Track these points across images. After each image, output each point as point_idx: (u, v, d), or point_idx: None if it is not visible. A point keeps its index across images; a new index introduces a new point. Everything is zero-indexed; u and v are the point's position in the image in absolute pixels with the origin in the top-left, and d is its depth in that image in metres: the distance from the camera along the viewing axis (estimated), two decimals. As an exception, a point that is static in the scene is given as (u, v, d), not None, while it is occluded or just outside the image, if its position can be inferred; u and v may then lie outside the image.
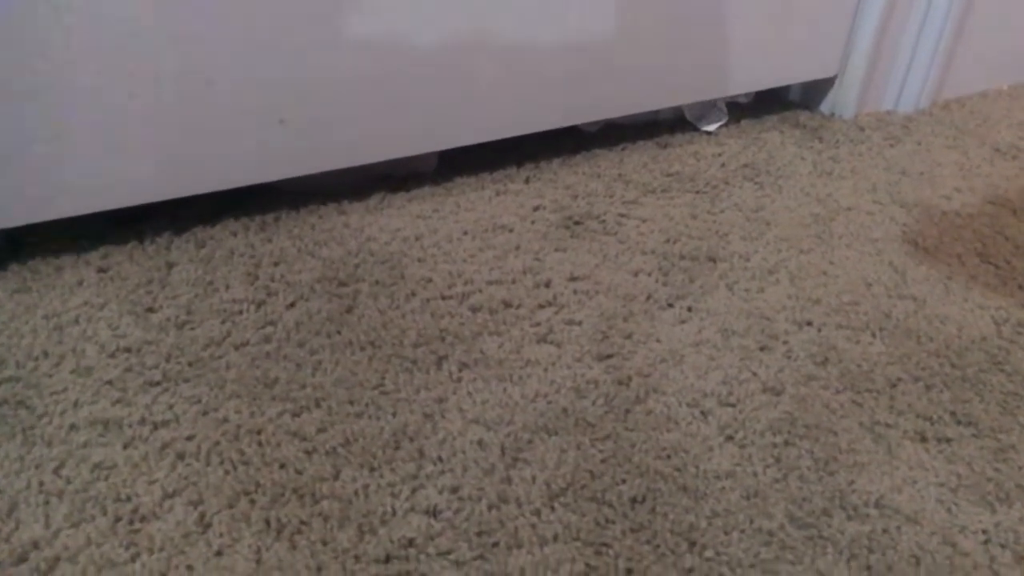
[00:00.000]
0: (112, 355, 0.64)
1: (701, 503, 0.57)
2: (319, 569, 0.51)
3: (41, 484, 0.54)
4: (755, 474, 0.59)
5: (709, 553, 0.54)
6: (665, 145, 0.92)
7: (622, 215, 0.82)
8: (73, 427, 0.58)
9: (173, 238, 0.75)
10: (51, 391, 0.61)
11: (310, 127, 0.75)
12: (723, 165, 0.89)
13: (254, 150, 0.74)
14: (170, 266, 0.72)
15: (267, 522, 0.53)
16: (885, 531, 0.55)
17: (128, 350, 0.64)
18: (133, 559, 0.51)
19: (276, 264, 0.73)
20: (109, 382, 0.62)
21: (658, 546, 0.54)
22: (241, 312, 0.68)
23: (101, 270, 0.71)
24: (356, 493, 0.56)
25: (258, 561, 0.51)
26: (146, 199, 0.72)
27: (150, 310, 0.68)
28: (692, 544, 0.54)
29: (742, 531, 0.55)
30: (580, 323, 0.70)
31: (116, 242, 0.74)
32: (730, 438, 0.61)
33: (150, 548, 0.51)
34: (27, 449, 0.56)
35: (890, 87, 1.01)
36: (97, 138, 0.68)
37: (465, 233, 0.79)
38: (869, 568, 0.53)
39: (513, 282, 0.73)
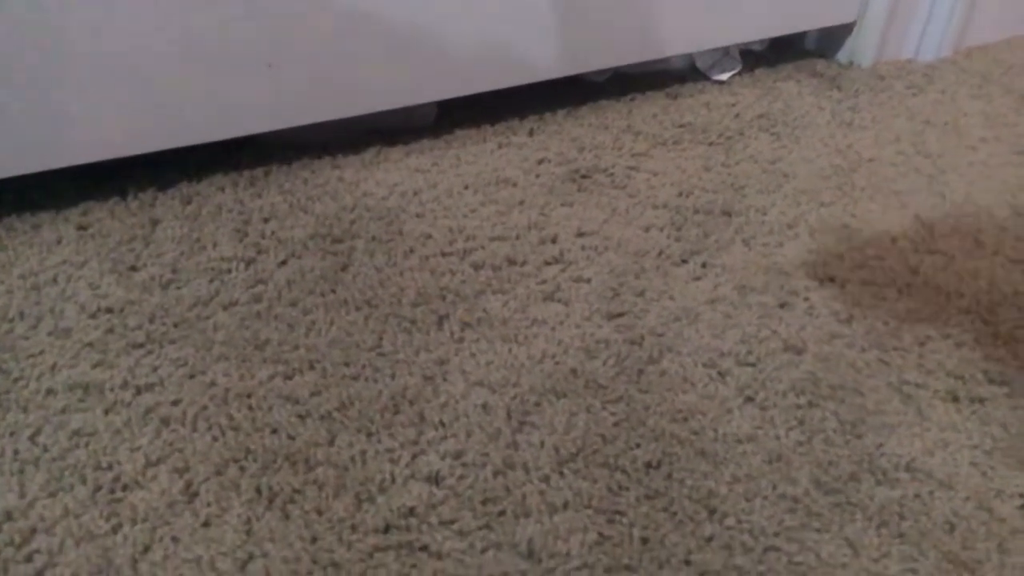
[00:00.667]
0: (93, 316, 0.60)
1: (720, 468, 0.53)
2: (314, 540, 0.48)
3: (16, 452, 0.51)
4: (777, 437, 0.55)
5: (730, 521, 0.50)
6: (675, 96, 0.88)
7: (631, 168, 0.78)
8: (50, 391, 0.55)
9: (157, 194, 0.71)
10: (27, 354, 0.57)
11: (300, 73, 0.71)
12: (737, 116, 0.85)
13: (240, 99, 0.70)
14: (154, 223, 0.68)
15: (258, 490, 0.50)
16: (917, 496, 0.52)
17: (110, 310, 0.60)
18: (114, 530, 0.47)
19: (266, 220, 0.69)
20: (89, 344, 0.58)
21: (675, 514, 0.51)
22: (230, 270, 0.64)
23: (81, 227, 0.67)
24: (353, 460, 0.52)
25: (248, 532, 0.48)
26: (127, 152, 0.68)
27: (133, 269, 0.64)
28: (712, 511, 0.51)
29: (765, 497, 0.52)
30: (589, 280, 0.66)
31: (97, 198, 0.70)
32: (750, 399, 0.58)
33: (132, 518, 0.48)
34: (1, 415, 0.53)
35: (910, 34, 0.97)
36: (74, 89, 0.64)
37: (466, 187, 0.75)
38: (901, 535, 0.50)
39: (517, 238, 0.69)
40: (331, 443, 0.53)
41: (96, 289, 0.62)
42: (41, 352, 0.57)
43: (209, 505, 0.49)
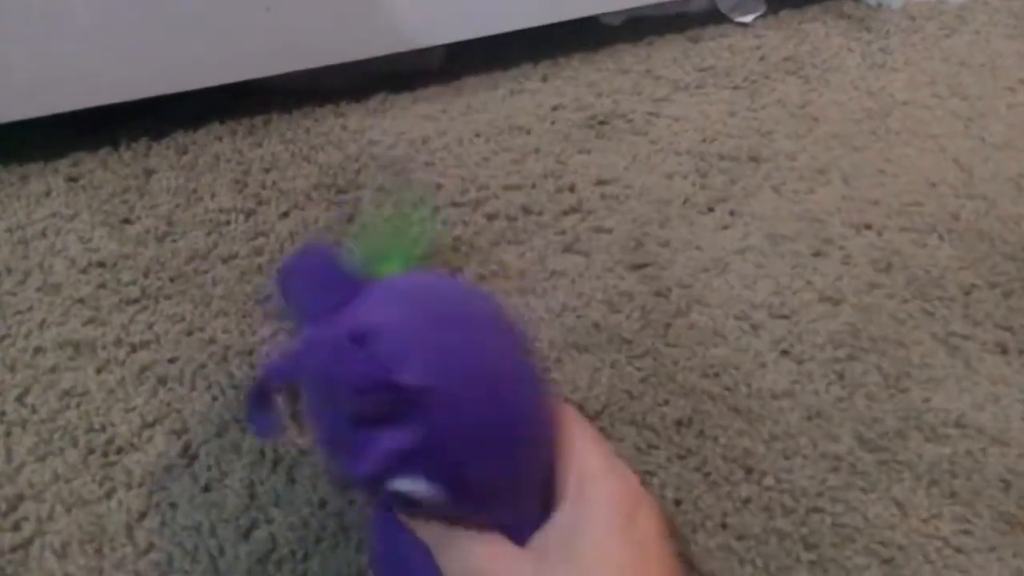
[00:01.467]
0: (84, 271, 0.56)
1: (756, 425, 0.50)
2: (322, 504, 0.44)
3: (3, 414, 0.48)
4: (816, 392, 0.52)
5: (769, 481, 0.47)
6: (696, 39, 0.83)
7: (652, 114, 0.73)
8: (39, 350, 0.51)
9: (151, 144, 0.67)
10: (14, 311, 0.53)
11: (299, 15, 0.67)
12: (762, 59, 0.80)
13: (237, 43, 0.66)
14: (148, 174, 0.64)
15: (261, 452, 0.47)
16: (968, 453, 0.49)
17: (102, 265, 0.57)
18: (108, 495, 0.44)
19: (267, 170, 0.65)
20: (80, 300, 0.54)
21: (708, 474, 0.47)
22: (229, 222, 0.61)
23: (71, 179, 0.64)
24: (362, 419, 0.49)
25: (251, 496, 0.45)
26: (118, 99, 0.64)
27: (126, 221, 0.60)
28: (748, 471, 0.47)
29: (805, 456, 0.48)
30: (610, 231, 0.62)
31: (88, 149, 0.66)
32: (785, 353, 0.54)
33: (127, 483, 0.45)
34: (-14, 375, 0.50)
35: (943, -26, 0.91)
36: (63, 32, 0.60)
37: (477, 135, 0.70)
38: (953, 495, 0.47)
39: (533, 187, 0.65)
40: (339, 402, 0.50)
41: (87, 243, 0.58)
42: (29, 309, 0.54)
43: (209, 468, 0.46)
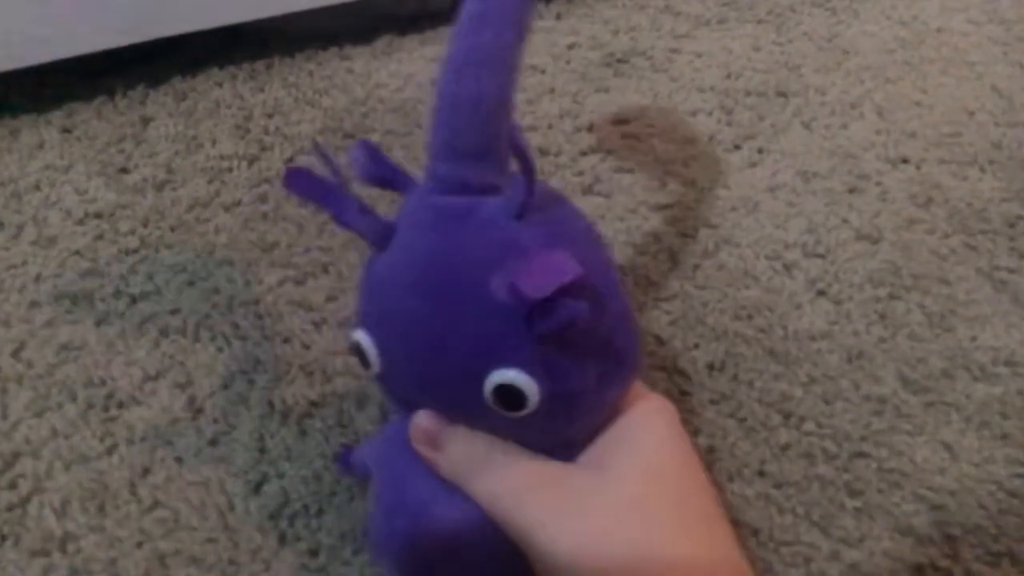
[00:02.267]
0: (80, 222, 0.54)
1: (794, 368, 0.47)
2: (335, 457, 0.42)
3: (-3, 369, 0.45)
4: (856, 333, 0.49)
5: (809, 426, 0.44)
6: (716, -27, 0.79)
7: (673, 50, 0.70)
8: (34, 304, 0.49)
9: (148, 91, 0.64)
10: (8, 264, 0.51)
11: (301, -49, 0.63)
12: (786, -9, 0.76)
13: (236, -19, 0.62)
14: (146, 121, 0.61)
15: (270, 404, 0.44)
16: (1020, 393, 0.46)
17: (99, 215, 0.54)
18: (109, 451, 0.42)
19: (270, 116, 0.62)
20: (77, 252, 0.52)
21: (744, 419, 0.45)
22: (231, 169, 0.58)
23: (65, 130, 0.61)
24: (376, 369, 0.46)
25: (261, 450, 0.42)
26: (110, 44, 0.61)
27: (123, 171, 0.58)
28: (787, 416, 0.45)
29: (846, 399, 0.45)
30: (632, 171, 0.59)
31: (82, 99, 0.63)
32: (822, 293, 0.51)
33: (129, 438, 0.42)
34: (-20, 330, 0.47)
35: (975, -100, 0.87)
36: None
37: (489, 76, 0.67)
38: (1005, 436, 0.44)
39: (549, 127, 0.62)
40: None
41: (83, 194, 0.56)
42: (24, 263, 0.51)
43: (216, 422, 0.43)
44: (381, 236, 0.31)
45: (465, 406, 0.30)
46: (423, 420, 0.32)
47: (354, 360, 0.45)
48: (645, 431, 0.31)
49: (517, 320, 0.28)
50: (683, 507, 0.30)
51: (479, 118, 0.29)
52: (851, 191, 0.57)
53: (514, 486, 0.30)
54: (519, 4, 0.30)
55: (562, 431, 0.31)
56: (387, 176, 0.32)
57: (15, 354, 0.46)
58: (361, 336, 0.31)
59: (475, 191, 0.30)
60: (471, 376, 0.29)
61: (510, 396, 0.28)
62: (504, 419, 0.29)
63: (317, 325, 0.48)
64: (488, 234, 0.29)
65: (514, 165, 0.30)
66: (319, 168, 0.32)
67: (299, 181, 0.31)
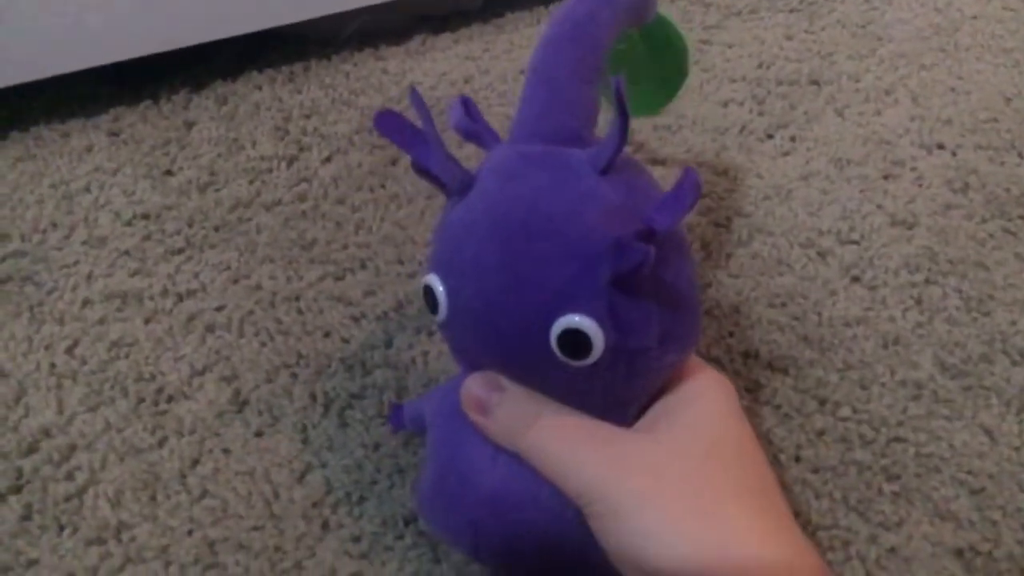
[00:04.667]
0: (128, 223, 0.55)
1: (829, 355, 0.47)
2: (376, 447, 0.43)
3: (52, 366, 0.47)
4: (892, 319, 0.48)
5: (844, 411, 0.44)
6: (747, -36, 0.79)
7: (704, 42, 0.70)
8: (87, 302, 0.50)
9: (191, 96, 0.66)
10: (61, 264, 0.53)
11: (335, -45, 0.65)
12: (819, -20, 0.76)
13: (273, -14, 0.64)
14: (189, 125, 0.63)
15: (312, 397, 0.45)
16: (1061, 377, 0.45)
17: (146, 217, 0.56)
18: (160, 444, 0.43)
19: (308, 117, 0.64)
20: (126, 252, 0.54)
21: (779, 406, 0.45)
22: (271, 170, 0.59)
23: (112, 133, 0.63)
24: (413, 361, 0.47)
25: (304, 441, 0.43)
26: (155, 49, 0.62)
27: (168, 173, 0.59)
28: (822, 402, 0.45)
29: (883, 384, 0.45)
30: (663, 162, 0.59)
31: (128, 103, 0.65)
32: (856, 279, 0.51)
33: (179, 431, 0.44)
34: (35, 328, 0.49)
35: None
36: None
37: (521, 72, 0.68)
38: (1046, 421, 0.43)
39: (581, 121, 0.62)
40: (388, 345, 0.48)
41: (131, 196, 0.57)
42: (76, 263, 0.53)
43: (261, 414, 0.45)
44: (462, 184, 0.32)
45: (527, 355, 0.30)
46: (473, 386, 0.33)
47: (393, 352, 0.47)
48: (704, 401, 0.32)
49: (591, 267, 0.28)
50: (741, 481, 0.30)
51: (573, 77, 0.31)
52: (886, 178, 0.57)
53: (570, 444, 0.31)
54: None
55: (619, 390, 0.31)
56: (479, 132, 0.34)
57: (69, 351, 0.48)
58: (432, 280, 0.32)
59: (562, 142, 0.31)
60: (539, 321, 0.29)
61: (576, 343, 0.29)
62: (563, 372, 0.30)
63: (356, 319, 0.49)
64: (572, 184, 0.30)
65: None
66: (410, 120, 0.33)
67: (388, 123, 0.32)
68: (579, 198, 0.29)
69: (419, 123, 0.32)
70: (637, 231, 0.28)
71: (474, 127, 0.33)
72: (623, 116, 0.28)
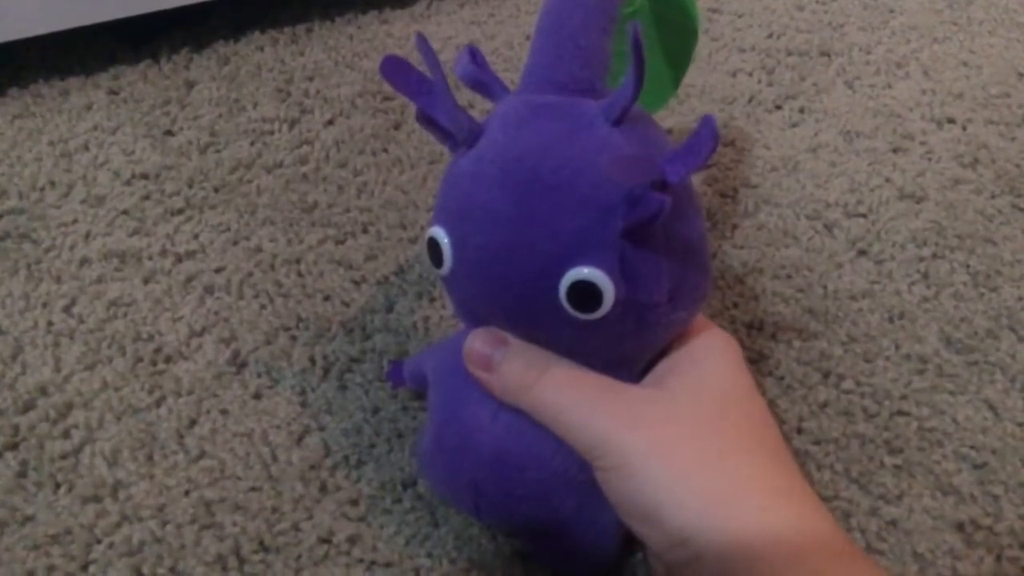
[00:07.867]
0: (127, 182, 0.55)
1: (833, 327, 0.46)
2: (375, 410, 0.43)
3: (50, 324, 0.47)
4: (898, 292, 0.48)
5: (848, 384, 0.44)
6: (759, -68, 0.78)
7: (713, 11, 0.69)
8: (85, 261, 0.50)
9: (192, 55, 0.65)
10: (59, 223, 0.52)
11: (340, -87, 0.63)
12: (831, -50, 0.75)
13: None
14: (190, 85, 0.62)
15: (311, 360, 0.45)
16: (1067, 354, 0.45)
17: (145, 176, 0.55)
18: (157, 403, 0.43)
19: (310, 79, 0.63)
20: (125, 211, 0.53)
21: (782, 378, 0.44)
22: (272, 132, 0.58)
23: (112, 92, 0.62)
24: (414, 326, 0.47)
25: (303, 404, 0.43)
26: (156, 7, 0.62)
27: (169, 133, 0.59)
28: (826, 375, 0.44)
29: (887, 358, 0.45)
30: (671, 131, 0.59)
31: (128, 62, 0.64)
32: (863, 252, 0.50)
33: (176, 391, 0.44)
34: (33, 286, 0.48)
35: None
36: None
37: (527, 38, 0.67)
38: (1050, 397, 0.43)
39: (588, 89, 0.62)
40: (390, 309, 0.48)
41: (130, 155, 0.57)
42: (74, 221, 0.52)
43: (259, 376, 0.44)
44: (470, 134, 0.31)
45: (535, 308, 0.30)
46: (476, 342, 0.32)
47: (393, 317, 0.46)
48: (712, 359, 0.31)
49: (604, 219, 0.28)
50: (751, 436, 0.30)
51: (585, 25, 0.30)
52: (895, 151, 0.56)
53: (579, 397, 0.30)
54: None
55: (625, 346, 0.31)
56: (486, 81, 0.33)
57: (67, 309, 0.47)
58: (437, 232, 0.31)
59: (574, 92, 0.30)
60: (549, 272, 0.29)
61: (586, 295, 0.28)
62: (570, 326, 0.29)
63: (357, 283, 0.49)
64: (584, 133, 0.29)
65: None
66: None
67: (394, 70, 0.31)
68: (592, 148, 0.29)
69: (427, 72, 0.31)
70: (652, 182, 0.27)
71: (481, 75, 0.32)
72: (639, 64, 0.27)
